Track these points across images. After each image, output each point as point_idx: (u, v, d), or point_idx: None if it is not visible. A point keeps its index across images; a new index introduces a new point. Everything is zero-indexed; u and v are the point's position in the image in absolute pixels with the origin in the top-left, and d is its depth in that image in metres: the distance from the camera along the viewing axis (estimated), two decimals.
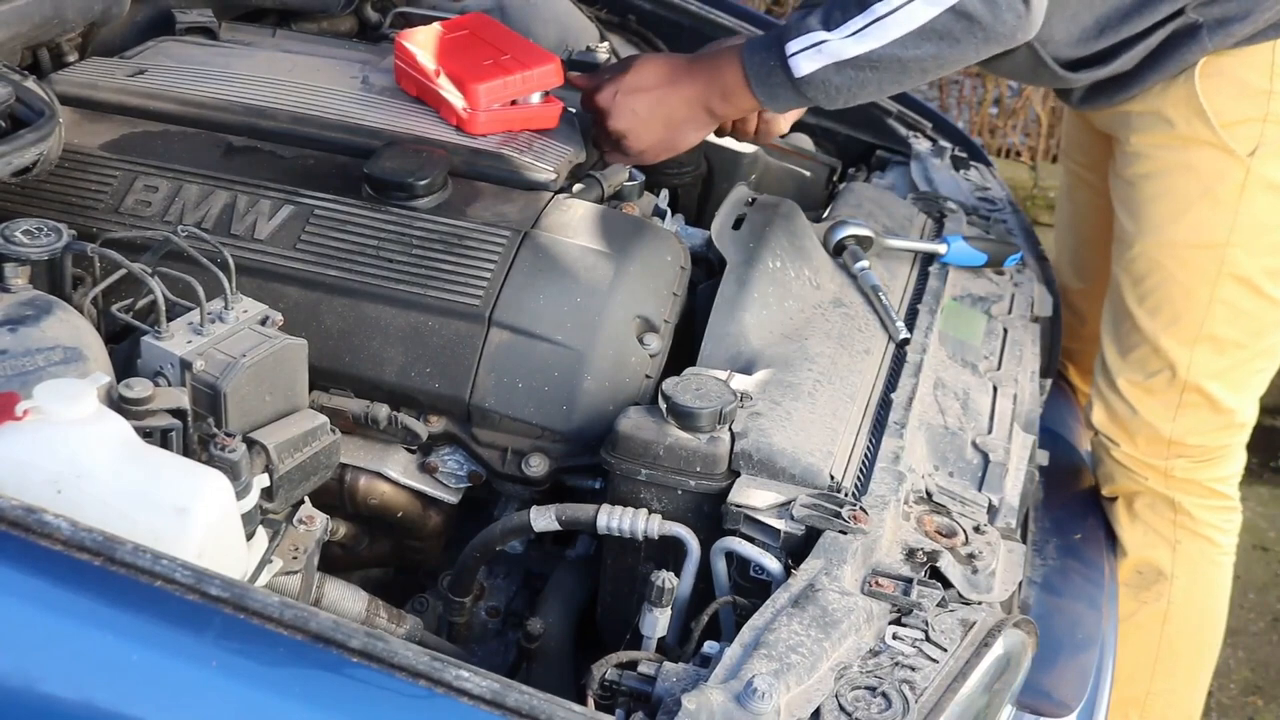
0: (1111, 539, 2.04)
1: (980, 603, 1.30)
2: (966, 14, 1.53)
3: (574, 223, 1.59)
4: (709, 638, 1.23)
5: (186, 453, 1.24)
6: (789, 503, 1.34)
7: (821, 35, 1.57)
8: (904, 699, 1.13)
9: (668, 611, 1.33)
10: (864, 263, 1.74)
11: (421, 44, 1.77)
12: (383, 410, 1.50)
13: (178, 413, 1.23)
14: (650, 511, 1.38)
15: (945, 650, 1.20)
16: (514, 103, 1.72)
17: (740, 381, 1.47)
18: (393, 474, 1.53)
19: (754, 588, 1.33)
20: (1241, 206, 1.79)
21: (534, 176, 1.65)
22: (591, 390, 1.48)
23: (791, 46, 1.59)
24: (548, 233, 1.56)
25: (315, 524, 1.35)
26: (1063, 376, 2.26)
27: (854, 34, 1.56)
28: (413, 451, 1.55)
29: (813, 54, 1.58)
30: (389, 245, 1.53)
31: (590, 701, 1.15)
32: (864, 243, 1.77)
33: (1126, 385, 1.93)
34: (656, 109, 1.70)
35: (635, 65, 1.72)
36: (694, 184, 2.00)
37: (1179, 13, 1.74)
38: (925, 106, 2.39)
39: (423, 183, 1.56)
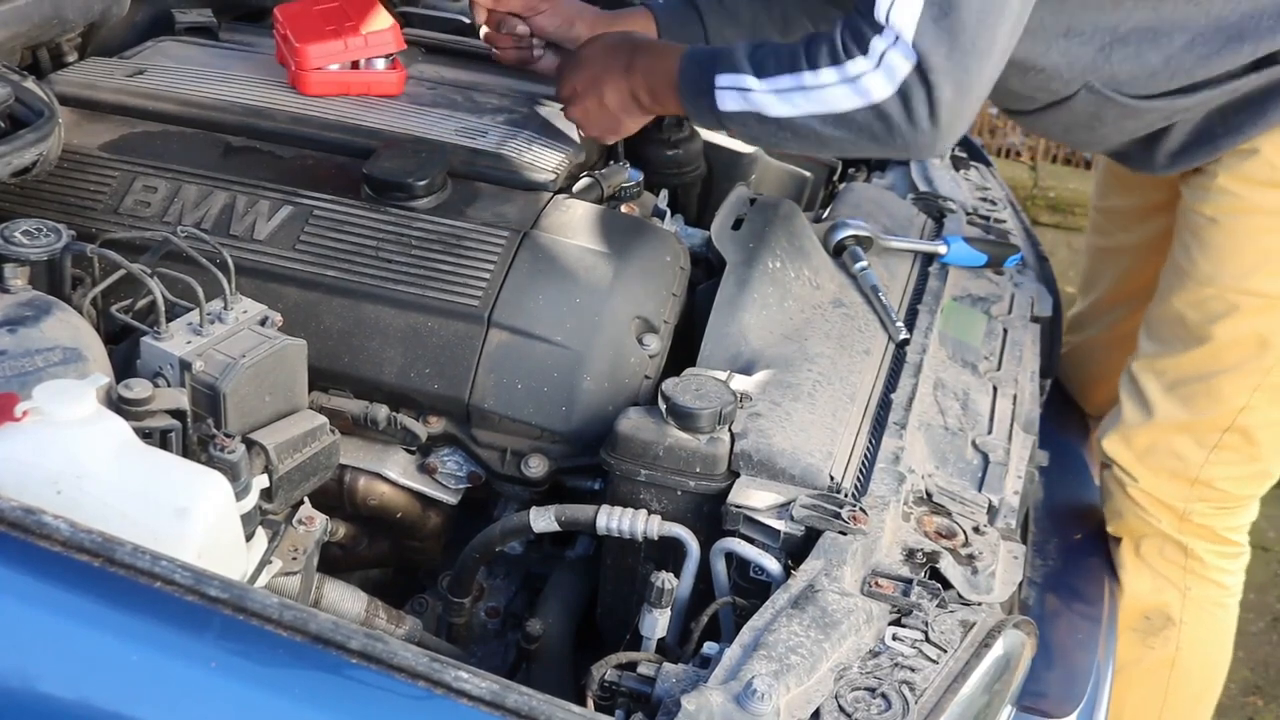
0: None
1: (980, 603, 1.30)
2: (885, 116, 1.46)
3: (573, 223, 1.59)
4: (709, 638, 1.22)
5: (186, 453, 1.24)
6: (789, 503, 1.34)
7: (748, 81, 1.51)
8: (904, 700, 1.13)
9: (667, 612, 1.32)
10: (864, 263, 1.74)
11: (289, 13, 1.80)
12: (382, 411, 1.50)
13: (177, 413, 1.23)
14: (650, 512, 1.38)
15: (945, 651, 1.20)
16: (356, 66, 1.76)
17: (740, 382, 1.47)
18: (392, 475, 1.53)
19: (754, 588, 1.33)
20: None
21: (533, 177, 1.65)
22: (591, 391, 1.48)
23: (720, 80, 1.53)
24: (547, 233, 1.56)
25: (315, 525, 1.35)
26: (1061, 385, 2.25)
27: (778, 92, 1.50)
28: (412, 452, 1.55)
29: (738, 96, 1.52)
30: (388, 246, 1.53)
31: (590, 702, 1.16)
32: (864, 243, 1.77)
33: (1166, 421, 1.85)
34: (599, 97, 1.68)
35: (582, 53, 1.71)
36: (694, 184, 1.99)
37: (1270, 61, 1.65)
38: None
39: (422, 183, 1.56)
